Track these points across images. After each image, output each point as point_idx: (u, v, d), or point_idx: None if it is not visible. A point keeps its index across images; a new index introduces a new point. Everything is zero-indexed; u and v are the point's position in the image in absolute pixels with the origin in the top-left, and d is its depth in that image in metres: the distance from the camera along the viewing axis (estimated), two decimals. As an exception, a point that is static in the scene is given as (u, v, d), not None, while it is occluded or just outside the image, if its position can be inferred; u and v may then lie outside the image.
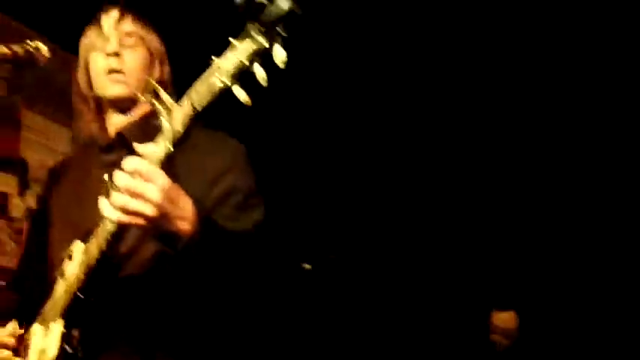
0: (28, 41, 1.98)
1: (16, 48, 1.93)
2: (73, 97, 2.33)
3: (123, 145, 2.15)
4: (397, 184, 5.46)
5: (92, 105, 2.27)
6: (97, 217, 1.82)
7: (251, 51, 1.46)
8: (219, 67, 1.51)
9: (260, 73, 1.46)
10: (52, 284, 2.07)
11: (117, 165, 2.03)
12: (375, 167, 5.50)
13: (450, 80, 5.06)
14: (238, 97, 1.48)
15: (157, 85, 1.62)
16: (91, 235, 1.84)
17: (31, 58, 1.96)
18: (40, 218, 2.37)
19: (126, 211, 1.58)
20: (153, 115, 2.12)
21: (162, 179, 1.60)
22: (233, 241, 1.82)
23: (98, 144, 2.23)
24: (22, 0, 4.20)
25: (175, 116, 1.58)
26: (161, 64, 2.27)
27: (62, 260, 2.00)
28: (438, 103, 5.19)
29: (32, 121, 4.27)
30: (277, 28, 1.42)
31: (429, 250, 5.22)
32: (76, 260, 1.93)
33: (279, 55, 1.43)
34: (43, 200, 2.39)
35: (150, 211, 1.58)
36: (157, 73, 2.24)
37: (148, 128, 2.08)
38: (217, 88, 1.51)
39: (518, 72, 4.91)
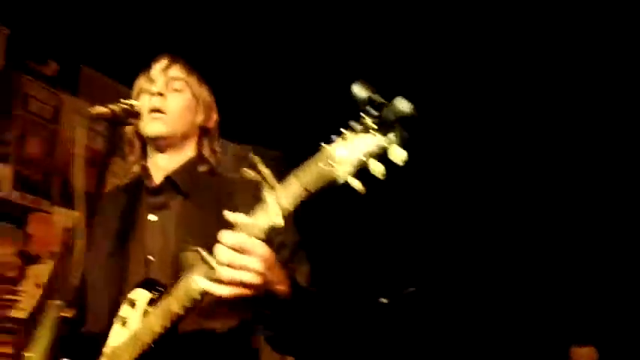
0: (123, 100, 2.09)
1: (113, 107, 2.03)
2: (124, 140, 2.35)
3: (171, 188, 2.20)
4: (473, 221, 5.52)
5: (137, 147, 2.31)
6: (140, 258, 1.93)
7: (370, 148, 1.49)
8: (331, 156, 1.53)
9: (378, 168, 1.49)
10: (95, 318, 2.10)
11: (165, 207, 2.18)
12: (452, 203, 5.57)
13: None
14: (353, 186, 1.51)
15: (258, 159, 1.62)
16: (168, 289, 1.87)
17: (125, 115, 2.07)
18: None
19: (231, 284, 1.63)
20: (199, 161, 2.26)
21: (263, 249, 1.64)
22: (309, 295, 1.91)
23: (145, 186, 2.24)
24: (115, 58, 4.53)
25: (282, 194, 1.60)
26: (207, 111, 2.29)
27: (111, 301, 1.98)
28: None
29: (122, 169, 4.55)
30: (397, 129, 1.46)
31: (509, 285, 5.22)
32: (140, 309, 1.94)
33: (399, 154, 1.47)
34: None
35: (255, 280, 1.63)
36: (200, 118, 2.27)
37: (195, 174, 2.23)
38: (332, 177, 1.54)
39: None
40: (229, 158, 6.08)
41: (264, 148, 6.34)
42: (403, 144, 1.46)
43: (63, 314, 1.50)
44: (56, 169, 4.55)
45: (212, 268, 1.64)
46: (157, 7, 4.36)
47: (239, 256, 1.61)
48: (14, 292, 4.16)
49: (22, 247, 4.23)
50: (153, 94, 2.17)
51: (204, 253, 1.65)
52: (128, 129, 2.28)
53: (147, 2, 4.33)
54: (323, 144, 1.55)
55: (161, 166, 2.23)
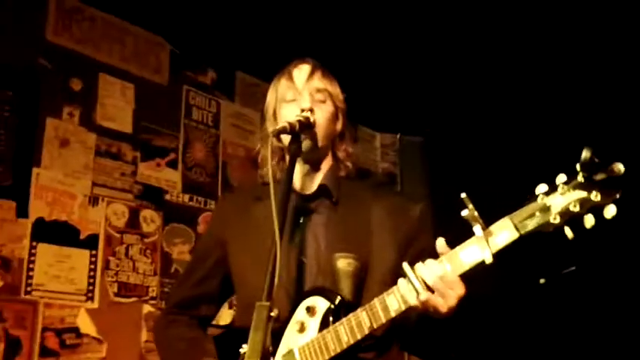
0: (298, 114, 2.14)
1: (291, 121, 2.08)
2: (260, 141, 2.44)
3: (323, 195, 2.30)
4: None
5: (278, 152, 2.36)
6: (293, 259, 2.06)
7: (588, 203, 1.69)
8: (548, 205, 1.74)
9: (590, 221, 1.70)
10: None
11: (315, 212, 2.27)
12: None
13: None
14: (566, 234, 1.73)
15: (468, 201, 1.80)
16: (350, 301, 2.06)
17: (301, 127, 2.10)
18: (217, 245, 2.45)
19: (426, 305, 1.85)
20: (338, 166, 2.35)
21: (462, 289, 1.87)
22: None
23: (297, 191, 2.30)
24: (267, 61, 4.75)
25: (497, 232, 1.80)
26: (343, 117, 2.37)
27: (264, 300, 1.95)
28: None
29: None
30: (614, 189, 1.68)
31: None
32: (319, 317, 2.05)
33: (611, 211, 1.68)
34: (222, 229, 2.46)
35: (444, 310, 1.86)
36: (339, 126, 2.35)
37: (339, 180, 2.34)
38: (549, 224, 1.74)
39: None
40: (377, 147, 6.27)
41: (408, 135, 6.47)
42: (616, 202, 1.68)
43: (272, 314, 1.65)
44: (218, 170, 4.87)
45: (416, 290, 1.85)
46: (305, 10, 4.52)
47: (443, 288, 1.83)
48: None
49: (195, 245, 4.58)
50: (304, 110, 2.18)
51: (412, 276, 1.86)
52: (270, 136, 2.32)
53: (294, 6, 4.50)
54: (538, 193, 1.75)
55: (304, 172, 2.32)
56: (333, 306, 2.04)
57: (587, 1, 4.33)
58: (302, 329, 2.06)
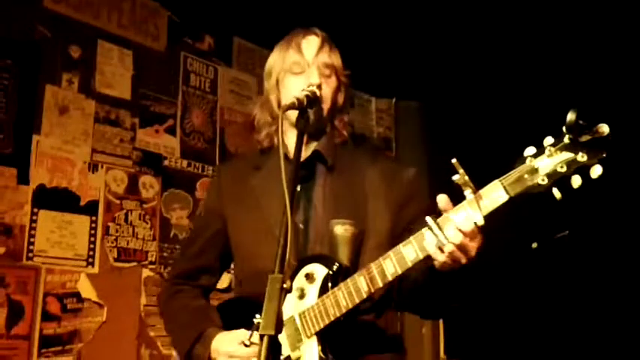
0: (305, 88, 2.16)
1: (298, 96, 2.10)
2: (259, 107, 2.47)
3: (317, 161, 2.34)
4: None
5: (277, 121, 2.34)
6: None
7: (575, 163, 1.72)
8: (535, 167, 1.76)
9: (577, 181, 1.73)
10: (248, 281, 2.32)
11: (310, 179, 2.30)
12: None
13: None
14: (554, 194, 1.76)
15: (457, 164, 1.80)
16: (347, 267, 2.10)
17: (309, 102, 2.12)
18: (215, 216, 2.50)
19: (450, 257, 1.86)
20: (335, 134, 2.38)
21: (480, 240, 1.88)
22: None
23: (291, 159, 2.19)
24: (264, 27, 4.77)
25: (487, 195, 1.82)
26: (345, 90, 2.41)
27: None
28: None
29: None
30: (599, 149, 1.70)
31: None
32: (318, 283, 2.10)
33: (597, 171, 1.70)
34: (220, 200, 2.50)
35: (465, 261, 1.88)
36: (341, 99, 2.39)
37: (335, 146, 2.37)
38: (537, 185, 1.77)
39: None
40: (372, 112, 6.30)
41: (404, 100, 6.49)
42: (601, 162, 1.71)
43: (285, 286, 1.70)
44: (216, 136, 4.91)
45: (441, 242, 1.85)
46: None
47: (466, 240, 1.84)
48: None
49: (193, 211, 4.64)
50: (312, 84, 2.20)
51: (437, 230, 1.85)
52: (272, 104, 2.41)
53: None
54: (528, 156, 1.78)
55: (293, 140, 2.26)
56: (331, 272, 2.09)
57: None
58: (302, 296, 2.12)
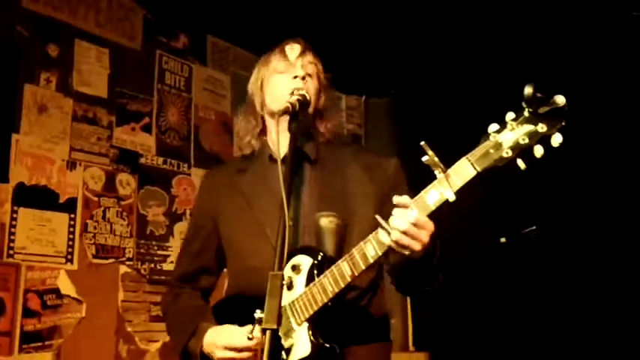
0: (296, 92, 2.30)
1: (290, 101, 2.24)
2: (242, 114, 2.56)
3: (301, 158, 2.39)
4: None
5: (260, 122, 2.51)
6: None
7: (536, 134, 1.82)
8: (499, 141, 1.86)
9: (539, 151, 1.82)
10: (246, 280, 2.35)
11: (296, 174, 2.32)
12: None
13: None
14: (519, 165, 1.85)
15: (426, 146, 1.89)
16: (330, 256, 2.18)
17: (300, 105, 2.26)
18: (207, 218, 2.58)
19: (401, 245, 1.96)
20: (318, 135, 2.47)
21: (431, 226, 1.97)
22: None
23: (273, 157, 2.41)
24: (238, 26, 4.83)
25: (454, 173, 1.91)
26: (325, 94, 2.50)
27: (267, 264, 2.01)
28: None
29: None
30: (557, 119, 1.81)
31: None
32: (304, 273, 2.19)
33: (557, 139, 1.81)
34: (211, 202, 2.58)
35: (418, 247, 1.96)
36: (321, 101, 2.49)
37: (318, 145, 2.46)
38: (502, 158, 1.86)
39: None
40: (342, 109, 6.39)
41: (375, 97, 6.59)
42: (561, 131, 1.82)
43: (284, 282, 1.80)
44: (190, 134, 4.98)
45: (389, 233, 1.95)
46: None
47: (416, 231, 1.94)
48: (165, 249, 4.65)
49: (169, 207, 4.70)
50: (297, 77, 2.36)
51: (384, 223, 1.96)
52: (256, 106, 2.50)
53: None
54: (490, 132, 1.88)
55: (284, 142, 2.31)
56: (316, 262, 2.18)
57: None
58: (290, 287, 2.20)
